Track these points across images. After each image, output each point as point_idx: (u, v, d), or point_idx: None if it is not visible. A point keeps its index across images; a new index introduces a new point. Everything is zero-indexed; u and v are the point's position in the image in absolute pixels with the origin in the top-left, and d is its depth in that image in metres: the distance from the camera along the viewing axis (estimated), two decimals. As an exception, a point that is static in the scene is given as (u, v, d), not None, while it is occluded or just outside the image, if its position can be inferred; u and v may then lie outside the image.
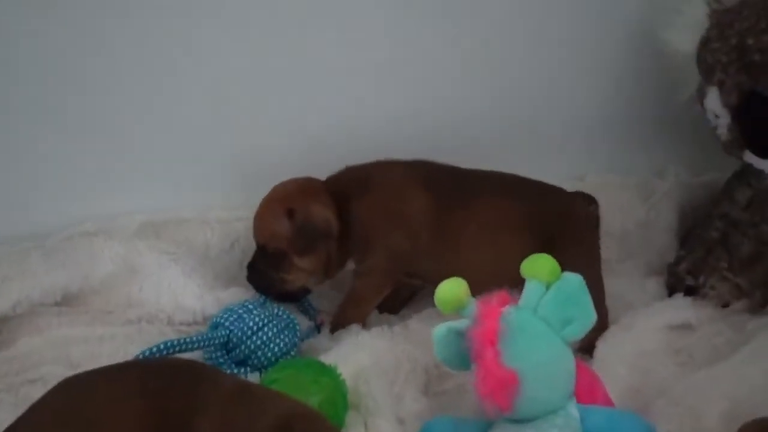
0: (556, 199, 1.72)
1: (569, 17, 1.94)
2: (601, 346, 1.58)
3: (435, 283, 1.65)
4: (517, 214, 1.67)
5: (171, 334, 1.62)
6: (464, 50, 1.91)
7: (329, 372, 1.40)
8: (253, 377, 1.50)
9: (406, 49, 1.88)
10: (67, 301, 1.67)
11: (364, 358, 1.49)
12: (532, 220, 1.66)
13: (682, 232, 1.92)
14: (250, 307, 1.59)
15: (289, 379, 1.37)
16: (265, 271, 1.65)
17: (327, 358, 1.47)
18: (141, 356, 1.43)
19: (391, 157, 1.73)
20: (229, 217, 1.81)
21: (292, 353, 1.57)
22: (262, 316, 1.56)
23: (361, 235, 1.66)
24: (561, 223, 1.66)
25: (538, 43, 1.95)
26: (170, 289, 1.69)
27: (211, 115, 1.84)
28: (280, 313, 1.60)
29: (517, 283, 1.65)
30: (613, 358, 1.55)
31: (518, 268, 1.58)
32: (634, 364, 1.55)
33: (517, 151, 1.94)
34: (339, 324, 1.65)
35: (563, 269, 1.28)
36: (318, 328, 1.70)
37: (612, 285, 1.74)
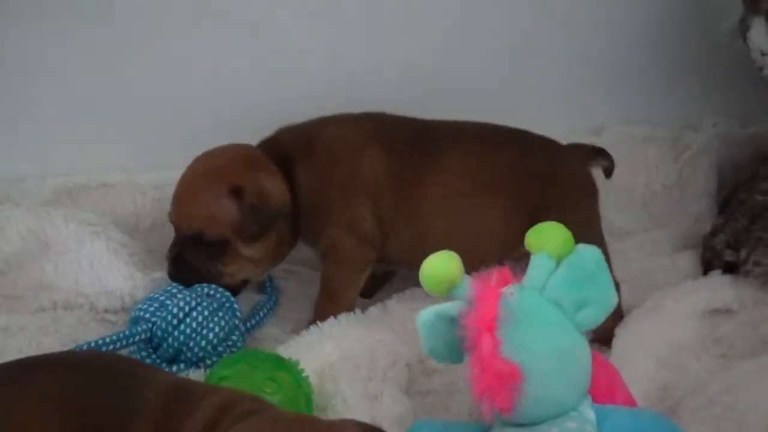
0: (544, 152, 1.71)
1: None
2: (622, 335, 1.59)
3: (403, 264, 1.67)
4: (496, 171, 1.66)
5: (93, 324, 1.62)
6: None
7: (289, 367, 1.40)
8: (197, 376, 1.50)
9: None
10: (-37, 284, 1.66)
11: (332, 350, 1.49)
12: (514, 178, 1.65)
13: (721, 197, 1.94)
14: (174, 291, 1.58)
15: (239, 376, 1.37)
16: (198, 263, 1.62)
17: (286, 351, 1.48)
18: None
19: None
20: (164, 179, 1.80)
21: (234, 338, 1.57)
22: (188, 299, 1.55)
23: (310, 208, 1.65)
24: (551, 184, 1.66)
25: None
26: (92, 269, 1.68)
27: (141, 57, 1.84)
28: (212, 291, 1.59)
29: (497, 259, 1.67)
30: (637, 349, 1.56)
31: (499, 240, 1.62)
32: (662, 356, 1.56)
33: (521, 99, 1.95)
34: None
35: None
36: (274, 303, 1.70)
37: (635, 261, 1.77)
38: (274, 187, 1.61)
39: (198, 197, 1.61)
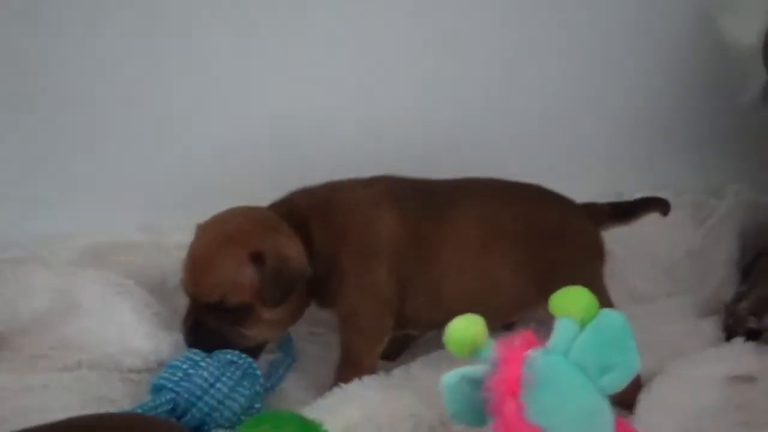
0: (555, 209, 1.71)
1: (609, 3, 1.97)
2: (645, 401, 1.58)
3: (419, 324, 1.68)
4: (507, 226, 1.66)
5: (117, 383, 1.61)
6: (479, 42, 1.94)
7: (313, 429, 1.38)
8: (223, 437, 1.50)
9: (413, 39, 1.91)
10: (-10, 342, 1.66)
11: (355, 413, 1.48)
12: (524, 234, 1.66)
13: (744, 263, 1.93)
14: (196, 359, 1.55)
15: (264, 438, 1.38)
16: (220, 329, 1.58)
17: (310, 412, 1.46)
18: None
19: (391, 172, 1.73)
20: (189, 240, 1.79)
21: (257, 406, 1.55)
22: (212, 369, 1.53)
23: (326, 271, 1.63)
24: (559, 242, 1.67)
25: (570, 32, 1.98)
26: (117, 329, 1.67)
27: (165, 119, 1.86)
28: (234, 358, 1.56)
29: (509, 311, 1.68)
30: (659, 415, 1.55)
31: (511, 296, 1.65)
32: (685, 423, 1.54)
33: (545, 162, 1.95)
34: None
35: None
36: (292, 359, 1.69)
37: (658, 327, 1.75)
38: (294, 251, 1.59)
39: (217, 264, 1.57)
